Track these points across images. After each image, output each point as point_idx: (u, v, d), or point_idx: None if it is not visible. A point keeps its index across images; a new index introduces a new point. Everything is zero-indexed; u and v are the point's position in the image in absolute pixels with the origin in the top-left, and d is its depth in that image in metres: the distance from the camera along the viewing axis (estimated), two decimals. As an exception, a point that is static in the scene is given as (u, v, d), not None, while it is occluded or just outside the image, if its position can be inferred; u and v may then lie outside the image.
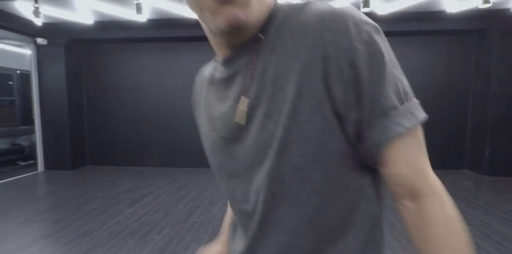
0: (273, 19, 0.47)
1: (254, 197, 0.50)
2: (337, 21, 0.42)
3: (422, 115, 0.49)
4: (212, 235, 2.79)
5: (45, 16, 3.97)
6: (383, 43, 0.46)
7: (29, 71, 7.03)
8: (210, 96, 0.59)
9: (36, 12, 3.56)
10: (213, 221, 3.13)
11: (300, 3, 0.47)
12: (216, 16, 0.43)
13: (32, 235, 2.88)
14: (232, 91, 0.51)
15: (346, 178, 0.47)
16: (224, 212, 3.11)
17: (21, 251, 2.53)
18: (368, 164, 0.47)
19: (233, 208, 0.62)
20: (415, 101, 0.49)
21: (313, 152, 0.44)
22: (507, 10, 4.27)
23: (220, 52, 0.54)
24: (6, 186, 4.66)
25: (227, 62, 0.53)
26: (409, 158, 0.46)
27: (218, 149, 0.56)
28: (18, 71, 7.07)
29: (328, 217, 0.47)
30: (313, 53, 0.42)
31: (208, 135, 0.60)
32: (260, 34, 0.47)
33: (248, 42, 0.48)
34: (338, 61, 0.42)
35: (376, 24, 0.46)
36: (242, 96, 0.48)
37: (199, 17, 0.48)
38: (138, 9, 3.47)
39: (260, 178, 0.48)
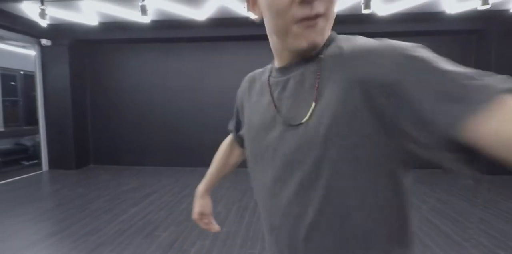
0: (331, 44, 0.59)
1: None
2: (404, 49, 0.51)
3: (501, 85, 0.42)
4: (217, 232, 2.84)
5: (50, 18, 4.02)
6: (427, 54, 0.51)
7: (32, 71, 7.10)
8: (263, 99, 0.68)
9: (43, 14, 3.62)
10: (217, 219, 3.14)
11: (350, 36, 0.60)
12: (298, 38, 0.55)
13: (39, 233, 2.93)
14: (288, 91, 0.61)
15: (386, 153, 0.52)
16: (227, 210, 3.17)
17: (29, 249, 2.58)
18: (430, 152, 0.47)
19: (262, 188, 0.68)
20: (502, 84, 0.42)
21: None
22: (506, 11, 4.32)
23: (279, 59, 0.65)
24: (11, 185, 4.72)
25: (284, 69, 0.64)
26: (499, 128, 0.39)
27: (271, 131, 0.62)
28: (21, 72, 7.14)
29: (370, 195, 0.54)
30: (365, 76, 0.50)
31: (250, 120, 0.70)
32: (321, 55, 0.58)
33: (309, 59, 0.59)
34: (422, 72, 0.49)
35: (416, 44, 0.53)
36: (313, 102, 0.55)
37: (278, 35, 0.59)
38: (143, 10, 3.53)
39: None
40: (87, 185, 4.64)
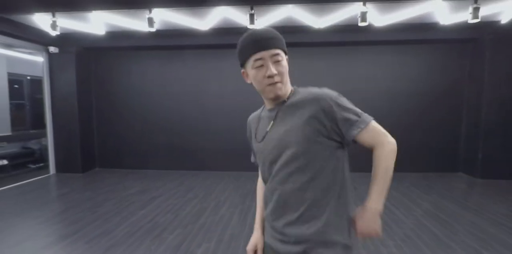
0: (292, 94, 1.13)
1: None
2: (326, 96, 1.07)
3: (370, 119, 1.09)
4: (222, 235, 3.02)
5: (60, 27, 4.18)
6: (341, 96, 1.09)
7: (38, 77, 7.27)
8: (260, 124, 1.20)
9: (54, 26, 3.79)
10: (221, 222, 3.35)
11: (303, 88, 1.15)
12: (269, 93, 1.09)
13: (52, 235, 3.11)
14: (271, 121, 1.14)
15: (327, 153, 1.08)
16: (231, 213, 3.34)
17: (44, 250, 2.75)
18: (347, 145, 1.10)
19: (268, 186, 1.16)
20: (368, 117, 1.09)
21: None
22: (497, 22, 4.50)
23: (267, 104, 1.19)
24: (21, 188, 4.89)
25: (270, 110, 1.17)
26: (369, 137, 1.07)
27: (263, 142, 1.15)
28: (28, 77, 7.31)
29: (316, 175, 1.07)
30: (319, 108, 1.05)
31: (257, 141, 1.19)
32: (286, 100, 1.12)
33: (281, 103, 1.13)
34: (331, 109, 1.05)
35: (335, 92, 1.10)
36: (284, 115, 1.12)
37: (260, 92, 1.12)
38: (150, 23, 3.70)
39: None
40: (94, 188, 4.81)
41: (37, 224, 3.42)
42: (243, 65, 1.14)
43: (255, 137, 1.20)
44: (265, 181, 1.18)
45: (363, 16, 3.54)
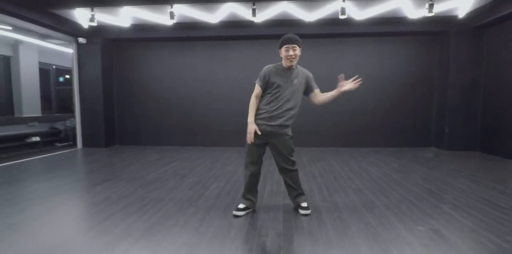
0: (296, 67, 2.63)
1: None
2: (309, 74, 2.68)
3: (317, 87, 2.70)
4: (229, 179, 3.89)
5: (87, 20, 5.02)
6: (312, 78, 2.70)
7: (63, 66, 8.18)
8: (277, 76, 2.55)
9: (92, 19, 4.67)
10: (228, 173, 4.23)
11: (301, 67, 2.69)
12: (287, 62, 2.55)
13: (98, 179, 3.97)
14: (287, 77, 2.57)
15: (301, 96, 2.63)
16: (235, 169, 4.26)
17: (97, 186, 3.62)
18: (307, 94, 2.70)
19: (272, 101, 2.56)
20: (314, 84, 2.70)
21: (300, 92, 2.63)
22: (455, 16, 5.39)
23: (285, 65, 2.58)
24: (57, 156, 5.78)
25: (286, 69, 2.58)
26: (318, 92, 2.67)
27: (282, 85, 2.55)
28: (53, 66, 8.21)
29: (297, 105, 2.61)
30: (307, 78, 2.65)
31: (276, 81, 2.54)
32: (294, 68, 2.61)
33: (291, 69, 2.59)
34: (311, 81, 2.65)
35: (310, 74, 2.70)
36: (295, 79, 2.59)
37: (284, 60, 2.57)
38: (171, 16, 4.58)
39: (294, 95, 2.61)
40: (119, 157, 5.70)
41: (82, 173, 4.31)
42: (280, 48, 2.52)
43: (275, 79, 2.51)
44: (269, 102, 2.53)
45: (343, 10, 4.42)
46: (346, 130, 6.50)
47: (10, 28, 6.14)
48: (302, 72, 2.60)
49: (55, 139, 7.53)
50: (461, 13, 5.14)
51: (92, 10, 4.69)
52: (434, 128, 6.36)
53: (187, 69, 6.76)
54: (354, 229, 2.29)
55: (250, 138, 2.51)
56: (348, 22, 5.58)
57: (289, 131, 2.60)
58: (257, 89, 2.56)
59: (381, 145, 6.43)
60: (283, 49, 2.47)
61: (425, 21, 5.53)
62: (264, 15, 5.28)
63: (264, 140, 2.56)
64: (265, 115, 2.51)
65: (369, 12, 5.21)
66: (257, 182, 2.69)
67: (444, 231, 2.23)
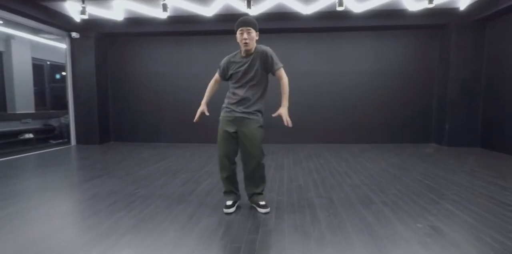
0: (255, 50, 2.40)
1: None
2: (267, 50, 2.39)
3: (281, 65, 2.42)
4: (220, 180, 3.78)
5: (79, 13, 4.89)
6: (273, 52, 2.41)
7: (57, 62, 8.06)
8: (233, 64, 2.45)
9: (83, 11, 4.55)
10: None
11: (260, 46, 2.41)
12: (243, 46, 2.35)
13: (89, 175, 3.86)
14: (244, 63, 2.40)
15: (265, 78, 2.43)
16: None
17: (87, 182, 3.51)
18: (270, 73, 2.47)
19: (234, 88, 2.48)
20: (280, 64, 2.43)
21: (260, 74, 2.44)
22: (457, 8, 5.25)
23: (242, 52, 2.42)
24: (50, 153, 5.67)
25: (243, 57, 2.42)
26: (281, 73, 2.41)
27: (240, 73, 2.42)
28: (48, 62, 8.09)
29: (261, 88, 2.46)
30: (262, 56, 2.37)
31: (233, 70, 2.45)
32: (253, 52, 2.40)
33: (250, 54, 2.39)
34: (267, 57, 2.36)
35: (270, 48, 2.43)
36: (253, 63, 2.41)
37: (240, 45, 2.39)
38: (164, 8, 4.46)
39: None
40: (113, 153, 5.59)
41: (73, 170, 4.21)
42: (235, 33, 2.34)
43: (232, 69, 2.44)
44: (232, 91, 2.48)
45: (340, 2, 4.29)
46: (344, 125, 6.39)
47: (1, 22, 6.01)
48: (259, 53, 2.36)
49: (49, 135, 7.43)
50: (462, 6, 5.00)
51: (83, 3, 4.56)
52: (433, 123, 6.24)
53: (183, 64, 6.63)
54: (349, 226, 2.19)
55: (196, 117, 2.66)
56: (346, 15, 5.45)
57: (258, 119, 2.44)
58: (215, 76, 2.62)
59: (380, 141, 6.31)
60: (237, 33, 2.31)
61: (425, 14, 5.39)
62: (260, 7, 5.15)
63: (234, 126, 2.43)
64: (232, 101, 2.45)
65: (367, 5, 5.08)
66: (234, 174, 2.57)
67: (443, 228, 2.12)
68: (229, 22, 6.37)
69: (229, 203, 2.53)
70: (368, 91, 6.26)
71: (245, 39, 2.26)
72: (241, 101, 2.41)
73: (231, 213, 2.46)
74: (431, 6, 4.29)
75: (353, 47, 6.27)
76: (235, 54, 2.46)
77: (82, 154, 5.67)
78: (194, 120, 2.61)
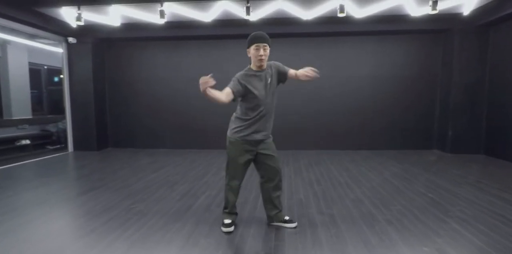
0: (268, 65, 2.36)
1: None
2: (276, 63, 2.40)
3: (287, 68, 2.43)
4: (221, 187, 3.69)
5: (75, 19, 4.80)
6: (281, 64, 2.42)
7: (54, 66, 7.96)
8: (249, 79, 2.29)
9: (79, 17, 4.45)
10: (221, 180, 4.02)
11: (271, 62, 2.39)
12: (257, 62, 2.28)
13: (84, 187, 3.78)
14: (261, 79, 2.31)
15: (276, 94, 2.41)
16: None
17: (83, 195, 3.43)
18: (284, 81, 2.45)
19: (256, 110, 2.32)
20: (286, 68, 2.41)
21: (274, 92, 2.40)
22: (460, 13, 5.15)
23: (254, 67, 2.32)
24: (46, 161, 5.58)
25: (257, 71, 2.32)
26: (293, 72, 2.35)
27: (262, 93, 2.31)
28: (45, 67, 7.99)
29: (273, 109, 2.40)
30: (274, 70, 2.36)
31: (256, 89, 2.29)
32: (265, 68, 2.34)
33: (263, 70, 2.33)
34: (279, 70, 2.37)
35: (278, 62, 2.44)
36: (269, 79, 2.36)
37: (253, 61, 2.32)
38: (161, 14, 4.36)
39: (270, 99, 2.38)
40: (110, 161, 5.51)
41: (69, 181, 4.12)
42: (248, 47, 2.27)
43: (252, 87, 2.26)
44: (248, 115, 2.32)
45: (342, 8, 4.19)
46: (345, 131, 6.29)
47: (-3, 27, 5.91)
48: (271, 67, 2.35)
49: (47, 141, 7.34)
50: (466, 11, 4.90)
51: (79, 9, 4.46)
52: (436, 129, 6.15)
53: (181, 69, 6.54)
54: (351, 249, 2.10)
55: (204, 82, 1.99)
56: (347, 20, 5.35)
57: (271, 136, 2.51)
58: (227, 89, 2.18)
59: (382, 147, 6.22)
60: (252, 48, 2.23)
61: (428, 19, 5.29)
62: (259, 13, 5.05)
63: (252, 152, 2.39)
64: (247, 129, 2.35)
65: (369, 10, 4.98)
66: (237, 194, 2.53)
67: (452, 252, 2.03)
68: (228, 27, 6.34)
69: (228, 221, 2.45)
70: (370, 96, 6.17)
71: (261, 55, 2.21)
72: (263, 127, 2.43)
73: (230, 232, 2.37)
74: (434, 12, 4.19)
75: (354, 52, 6.17)
76: (247, 72, 2.32)
77: (79, 162, 5.58)
78: (204, 88, 2.02)
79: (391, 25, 5.57)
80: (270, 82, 2.32)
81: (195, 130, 6.59)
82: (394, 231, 2.39)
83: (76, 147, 6.56)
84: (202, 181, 4.03)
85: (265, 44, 2.22)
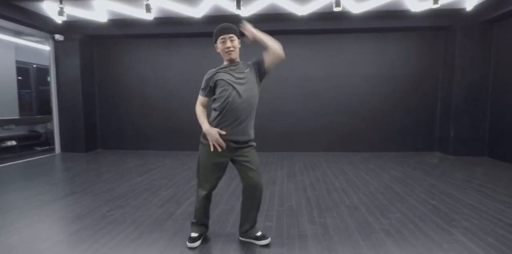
0: (239, 61, 2.09)
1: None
2: (256, 58, 2.09)
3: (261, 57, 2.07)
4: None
5: (66, 15, 4.59)
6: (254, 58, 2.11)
7: (44, 65, 7.72)
8: (221, 74, 2.03)
9: (61, 12, 4.22)
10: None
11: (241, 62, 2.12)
12: (226, 55, 2.04)
13: (63, 191, 3.54)
14: (233, 71, 2.04)
15: (257, 91, 2.05)
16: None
17: (58, 201, 3.18)
18: (263, 77, 2.12)
19: (231, 104, 1.97)
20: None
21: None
22: (463, 9, 4.91)
23: (226, 62, 2.09)
24: (30, 162, 5.34)
25: (230, 65, 2.06)
26: (266, 54, 2.03)
27: (232, 86, 2.01)
28: (34, 65, 7.75)
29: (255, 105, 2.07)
30: (251, 62, 2.09)
31: (226, 82, 2.00)
32: (238, 61, 2.08)
33: (236, 63, 2.07)
34: (257, 63, 2.05)
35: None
36: (244, 71, 2.06)
37: (223, 56, 2.07)
38: (147, 8, 4.13)
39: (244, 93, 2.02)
40: (98, 163, 5.26)
41: (51, 185, 3.87)
42: (215, 42, 2.05)
43: (223, 81, 2.01)
44: (220, 113, 2.01)
45: (338, 2, 3.95)
46: (343, 133, 6.05)
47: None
48: (249, 61, 2.10)
49: (35, 142, 7.11)
50: (469, 6, 4.66)
51: (61, 3, 4.23)
52: (438, 131, 5.90)
53: (173, 67, 6.30)
54: (345, 266, 1.85)
55: (219, 143, 1.97)
56: (344, 16, 5.12)
57: (252, 141, 2.13)
58: (200, 99, 2.13)
59: (381, 149, 5.98)
60: (218, 42, 2.02)
61: (429, 15, 5.06)
62: (251, 8, 4.81)
63: (227, 156, 2.08)
64: (227, 128, 2.00)
65: (366, 5, 4.74)
66: (209, 203, 2.24)
67: (457, 271, 1.79)
68: (219, 23, 6.04)
69: (194, 235, 2.17)
70: (368, 96, 5.92)
71: (228, 47, 1.98)
72: (238, 125, 2.10)
73: (195, 248, 2.10)
74: (436, 6, 3.96)
75: (352, 50, 5.93)
76: (219, 68, 2.09)
77: (65, 163, 5.34)
78: (219, 149, 2.02)
79: (390, 21, 5.33)
80: (245, 76, 2.02)
81: (186, 131, 6.34)
82: (392, 243, 2.14)
83: (64, 148, 6.33)
84: (188, 185, 3.78)
85: (231, 35, 1.99)
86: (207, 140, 2.04)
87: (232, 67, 2.04)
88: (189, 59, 6.24)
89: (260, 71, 2.07)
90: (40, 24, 5.40)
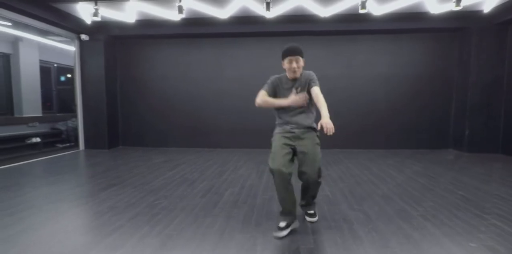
0: (304, 75, 2.39)
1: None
2: (310, 74, 2.38)
3: (318, 83, 2.36)
4: (243, 184, 3.62)
5: (90, 15, 4.76)
6: (315, 76, 2.39)
7: (64, 64, 7.92)
8: (281, 86, 2.43)
9: (96, 13, 4.40)
10: (241, 177, 3.95)
11: (305, 71, 2.40)
12: (291, 74, 2.37)
13: (103, 184, 3.70)
14: (290, 87, 2.40)
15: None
16: (248, 173, 3.95)
17: (100, 192, 3.35)
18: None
19: (288, 111, 2.42)
20: (314, 83, 2.34)
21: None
22: (480, 11, 5.10)
23: (289, 76, 2.41)
24: (57, 158, 5.51)
25: (290, 80, 2.41)
26: (314, 91, 2.28)
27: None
28: (55, 65, 7.94)
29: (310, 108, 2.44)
30: (305, 79, 2.36)
31: (284, 95, 2.40)
32: (299, 77, 2.39)
33: (296, 79, 2.39)
34: (309, 78, 2.35)
35: (313, 73, 2.42)
36: (298, 88, 2.38)
37: (287, 72, 2.41)
38: (180, 10, 4.31)
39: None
40: (124, 159, 5.43)
41: (88, 177, 4.04)
42: (282, 60, 2.36)
43: (280, 90, 2.42)
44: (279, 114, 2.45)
45: (363, 4, 4.14)
46: (359, 130, 6.22)
47: (10, 24, 5.88)
48: (305, 76, 2.40)
49: (57, 139, 7.28)
50: (487, 8, 4.85)
51: (96, 4, 4.42)
52: (452, 128, 6.07)
53: (195, 67, 6.48)
54: (394, 243, 2.02)
55: (300, 98, 2.27)
56: (365, 18, 5.31)
57: (314, 135, 2.45)
58: (262, 92, 2.40)
59: (396, 147, 6.15)
60: (285, 61, 2.34)
61: (446, 17, 5.25)
62: (277, 10, 5.00)
63: (291, 143, 2.37)
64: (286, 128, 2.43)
65: (389, 7, 4.92)
66: (292, 189, 2.23)
67: (500, 248, 1.95)
68: (245, 24, 6.29)
69: (282, 224, 2.19)
70: (383, 95, 6.11)
71: (294, 68, 2.32)
72: (293, 121, 2.46)
73: (280, 238, 2.13)
74: (458, 8, 4.14)
75: (369, 51, 6.11)
76: (281, 77, 2.46)
77: (92, 159, 5.50)
78: (302, 102, 2.30)
79: (408, 23, 5.52)
80: (299, 90, 2.37)
81: (207, 129, 6.53)
82: (433, 226, 2.31)
83: (87, 145, 6.50)
84: (222, 178, 3.95)
85: (297, 57, 2.31)
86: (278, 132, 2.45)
87: (291, 82, 2.41)
88: (211, 58, 6.42)
89: (309, 92, 2.38)
90: (69, 25, 5.59)
